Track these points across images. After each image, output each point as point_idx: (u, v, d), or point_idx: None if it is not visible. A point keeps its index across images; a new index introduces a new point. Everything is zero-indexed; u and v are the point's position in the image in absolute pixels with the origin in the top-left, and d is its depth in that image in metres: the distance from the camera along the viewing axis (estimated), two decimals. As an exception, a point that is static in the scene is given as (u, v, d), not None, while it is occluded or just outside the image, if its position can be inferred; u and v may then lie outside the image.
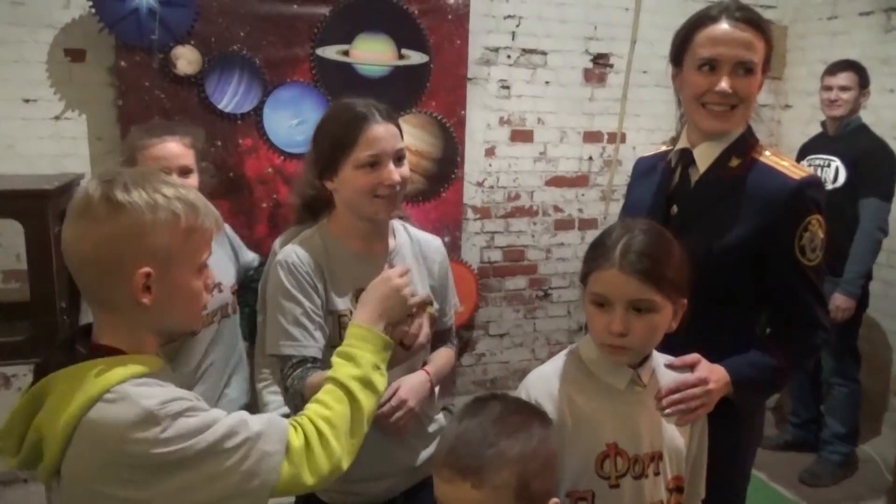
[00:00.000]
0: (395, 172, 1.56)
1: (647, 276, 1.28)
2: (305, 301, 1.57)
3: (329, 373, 1.25)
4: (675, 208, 1.65)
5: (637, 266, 1.28)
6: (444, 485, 1.11)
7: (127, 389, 1.04)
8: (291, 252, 1.61)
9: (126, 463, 1.01)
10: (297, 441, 1.14)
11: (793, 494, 3.38)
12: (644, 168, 1.83)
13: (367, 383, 1.25)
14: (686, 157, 1.65)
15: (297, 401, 1.52)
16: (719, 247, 1.53)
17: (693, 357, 1.45)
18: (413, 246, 1.75)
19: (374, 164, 1.54)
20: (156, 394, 1.05)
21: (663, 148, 1.76)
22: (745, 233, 1.53)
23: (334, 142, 1.57)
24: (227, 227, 2.27)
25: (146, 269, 1.06)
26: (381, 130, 1.55)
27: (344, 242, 1.64)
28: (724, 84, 1.52)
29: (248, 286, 2.35)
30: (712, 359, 1.48)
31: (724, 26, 1.53)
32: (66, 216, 1.10)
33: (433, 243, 1.80)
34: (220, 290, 2.14)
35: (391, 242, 1.70)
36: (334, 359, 1.30)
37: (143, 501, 1.03)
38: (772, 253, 1.53)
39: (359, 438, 1.22)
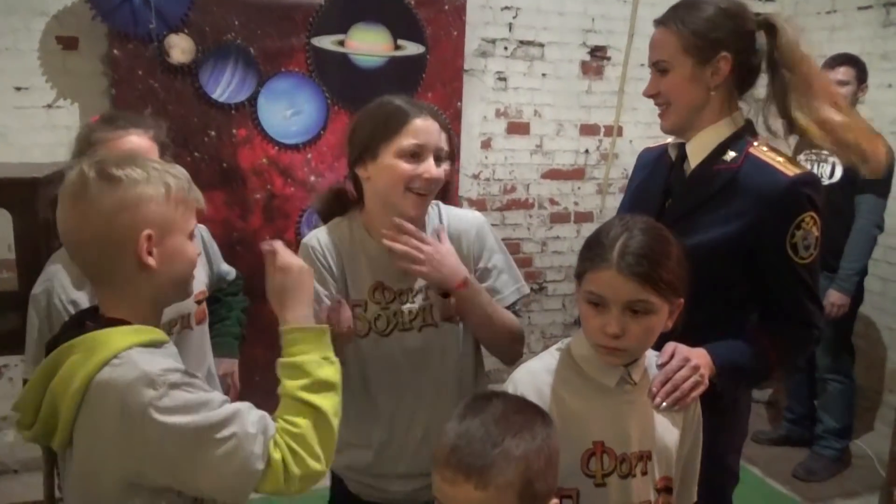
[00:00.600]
0: (434, 168, 1.52)
1: (645, 279, 1.25)
2: (320, 287, 1.56)
3: (280, 389, 1.22)
4: (669, 202, 1.64)
5: (635, 268, 1.25)
6: (445, 485, 1.08)
7: (132, 355, 1.09)
8: (313, 237, 1.61)
9: (126, 430, 1.06)
10: (276, 454, 1.14)
11: (787, 489, 3.38)
12: (647, 160, 1.82)
13: (319, 385, 1.20)
14: (683, 150, 1.64)
15: None
16: (711, 242, 1.51)
17: (668, 350, 1.43)
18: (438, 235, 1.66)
19: (416, 154, 1.50)
20: (158, 362, 1.10)
21: (669, 140, 1.73)
22: (736, 229, 1.51)
23: (377, 127, 1.52)
24: (205, 232, 2.08)
25: (148, 232, 1.13)
26: (427, 123, 1.52)
27: (371, 235, 1.60)
28: (646, 87, 1.62)
29: (222, 299, 2.19)
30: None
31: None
32: (62, 200, 1.14)
33: (465, 219, 1.69)
34: None
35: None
36: (280, 373, 1.23)
37: (137, 474, 1.09)
38: (763, 250, 1.51)
39: (332, 440, 1.20)
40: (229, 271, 2.23)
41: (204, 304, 1.97)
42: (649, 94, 1.61)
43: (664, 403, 1.36)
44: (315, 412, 1.18)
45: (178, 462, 1.08)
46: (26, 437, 1.16)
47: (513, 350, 1.65)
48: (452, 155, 2.18)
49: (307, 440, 1.16)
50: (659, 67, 1.58)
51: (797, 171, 1.51)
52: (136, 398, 1.05)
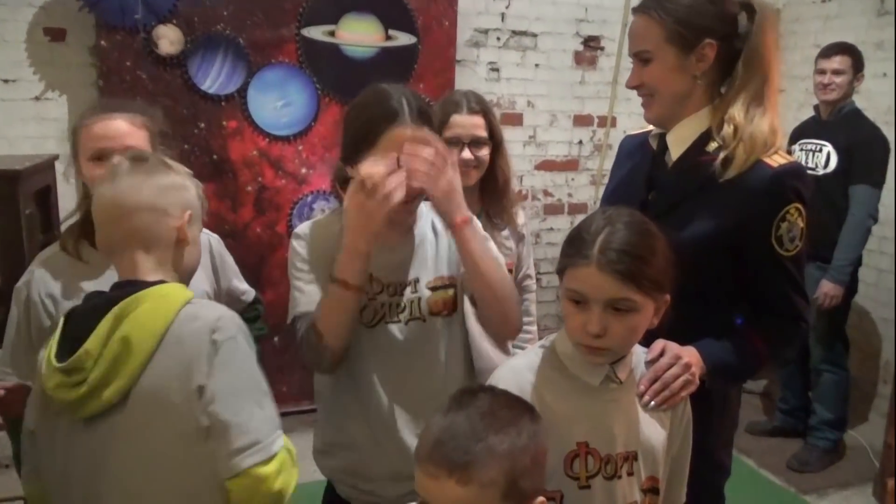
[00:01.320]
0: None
1: (628, 276, 1.20)
2: (315, 268, 1.55)
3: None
4: (652, 194, 1.59)
5: (617, 265, 1.20)
6: (428, 480, 1.05)
7: (204, 301, 1.31)
8: (305, 226, 1.62)
9: (212, 348, 1.21)
10: (283, 453, 1.26)
11: (781, 480, 3.37)
12: (630, 148, 1.76)
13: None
14: (663, 140, 1.59)
15: (311, 339, 1.48)
16: (695, 236, 1.47)
17: (657, 347, 1.39)
18: (432, 230, 1.64)
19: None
20: (224, 311, 1.29)
21: (652, 127, 1.67)
22: (720, 222, 1.46)
23: (359, 133, 1.49)
24: (217, 241, 1.91)
25: (189, 212, 1.34)
26: (406, 133, 1.44)
27: None
28: (628, 78, 1.57)
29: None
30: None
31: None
32: (115, 174, 1.30)
33: None
34: None
35: (413, 232, 1.61)
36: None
37: (206, 395, 1.20)
38: (748, 243, 1.47)
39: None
40: (246, 291, 1.99)
41: None
42: (632, 85, 1.56)
43: (653, 402, 1.33)
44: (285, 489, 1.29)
45: (232, 394, 1.21)
46: (76, 395, 1.21)
47: (510, 322, 1.56)
48: (494, 140, 2.15)
49: (290, 472, 1.29)
50: (641, 57, 1.52)
51: (782, 161, 1.47)
52: (227, 326, 1.24)
